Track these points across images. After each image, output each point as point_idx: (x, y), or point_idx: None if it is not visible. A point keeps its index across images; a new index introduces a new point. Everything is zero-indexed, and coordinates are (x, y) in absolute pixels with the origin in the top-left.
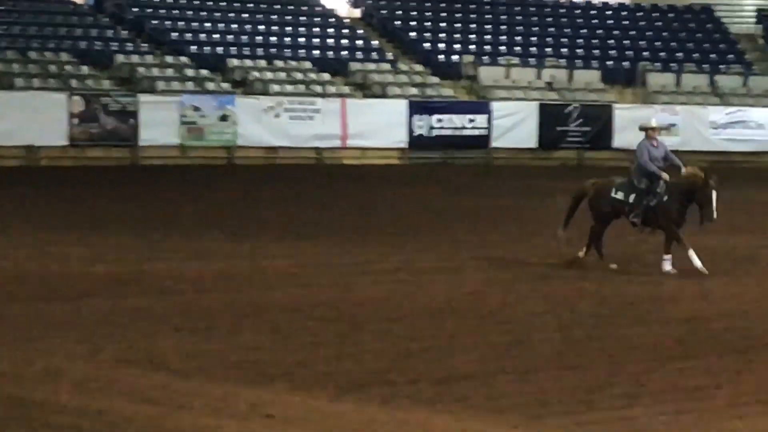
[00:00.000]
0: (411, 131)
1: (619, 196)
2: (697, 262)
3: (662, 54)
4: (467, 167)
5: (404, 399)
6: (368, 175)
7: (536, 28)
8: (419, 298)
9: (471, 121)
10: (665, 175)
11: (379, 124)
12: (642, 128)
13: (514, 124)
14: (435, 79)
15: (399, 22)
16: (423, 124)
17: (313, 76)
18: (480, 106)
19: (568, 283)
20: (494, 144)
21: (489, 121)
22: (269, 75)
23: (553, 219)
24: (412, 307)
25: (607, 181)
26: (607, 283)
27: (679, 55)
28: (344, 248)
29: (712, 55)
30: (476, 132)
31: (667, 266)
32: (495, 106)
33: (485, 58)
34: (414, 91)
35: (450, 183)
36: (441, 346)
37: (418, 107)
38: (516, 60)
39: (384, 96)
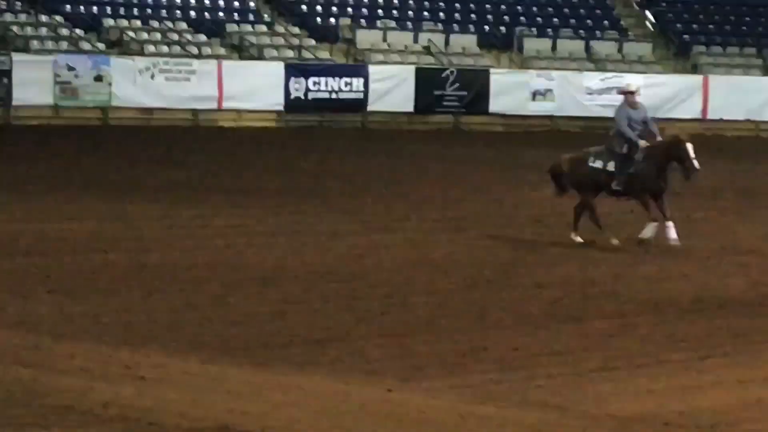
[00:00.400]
0: (288, 94)
1: (598, 165)
2: (648, 233)
3: (539, 19)
4: (344, 131)
5: (278, 361)
6: (244, 137)
7: None
8: (294, 260)
9: (348, 84)
10: (643, 143)
11: (255, 87)
12: (621, 92)
13: (390, 88)
14: (312, 42)
15: None
16: (300, 87)
17: (189, 37)
18: (357, 70)
19: (442, 248)
20: (371, 107)
21: (366, 84)
22: (145, 35)
23: (429, 182)
24: (287, 270)
25: (581, 153)
26: (481, 248)
27: (556, 20)
28: (220, 211)
29: (588, 21)
30: (353, 95)
31: (673, 233)
32: (372, 69)
33: (362, 21)
34: (291, 53)
35: (326, 146)
36: (315, 309)
37: (295, 70)
38: (393, 24)
39: (261, 58)
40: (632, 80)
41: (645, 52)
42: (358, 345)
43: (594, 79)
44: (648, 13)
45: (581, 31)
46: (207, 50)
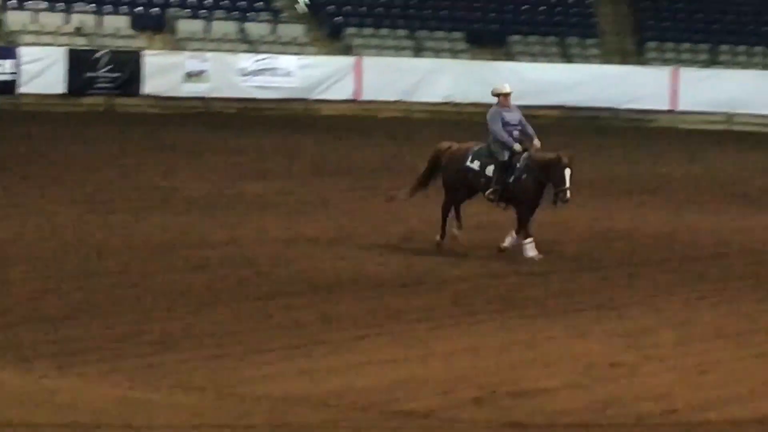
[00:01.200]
0: None
1: (475, 165)
2: (531, 253)
3: (192, 1)
4: None
5: None
6: None
7: None
8: None
9: None
10: (518, 146)
11: None
12: (494, 93)
13: (41, 70)
14: None
15: None
16: None
17: None
18: (7, 52)
19: (94, 231)
20: (22, 90)
21: (16, 66)
22: None
23: (79, 165)
24: None
25: (464, 146)
26: (134, 231)
27: (209, 1)
28: None
29: (242, 2)
30: (3, 77)
31: (531, 252)
32: (22, 51)
33: (12, 2)
34: None
35: None
36: None
37: None
38: (44, 5)
39: None
40: (507, 83)
41: (298, 34)
42: (10, 332)
43: (248, 61)
44: None
45: (235, 13)
46: None
